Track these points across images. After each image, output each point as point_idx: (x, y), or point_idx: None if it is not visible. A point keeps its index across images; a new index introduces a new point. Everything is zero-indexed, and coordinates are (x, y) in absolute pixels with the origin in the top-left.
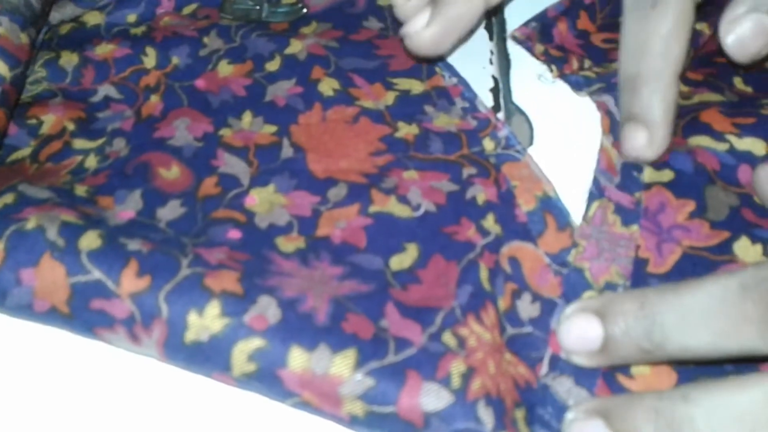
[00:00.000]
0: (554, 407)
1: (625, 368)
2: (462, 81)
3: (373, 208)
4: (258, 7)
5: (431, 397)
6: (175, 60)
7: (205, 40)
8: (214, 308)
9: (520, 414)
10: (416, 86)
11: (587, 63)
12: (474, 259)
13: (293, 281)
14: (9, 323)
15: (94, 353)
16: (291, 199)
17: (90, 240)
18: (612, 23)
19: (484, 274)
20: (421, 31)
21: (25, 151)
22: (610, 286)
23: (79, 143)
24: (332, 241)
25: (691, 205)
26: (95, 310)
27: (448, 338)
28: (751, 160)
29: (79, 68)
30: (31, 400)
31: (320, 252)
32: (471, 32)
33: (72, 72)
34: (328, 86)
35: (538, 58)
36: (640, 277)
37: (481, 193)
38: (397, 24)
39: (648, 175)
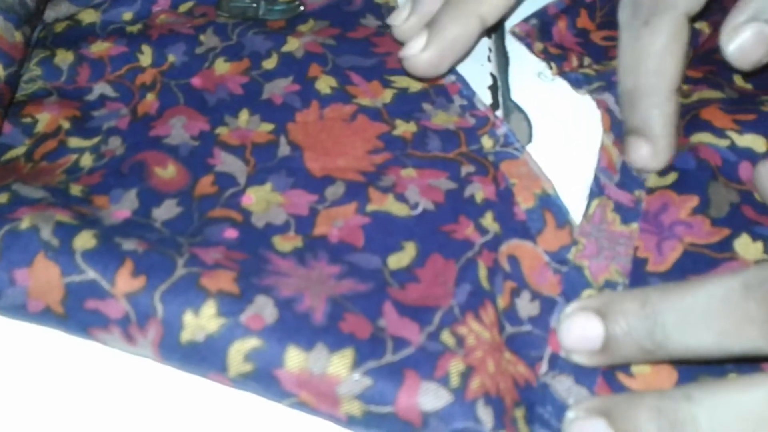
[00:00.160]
0: (554, 406)
1: (625, 367)
2: (460, 78)
3: (370, 207)
4: (255, 5)
5: (430, 397)
6: (171, 58)
7: (202, 37)
8: (210, 308)
9: (519, 413)
10: (414, 84)
11: (587, 60)
12: (473, 258)
13: (290, 281)
14: (3, 324)
15: (89, 354)
16: (288, 198)
17: (84, 240)
18: (612, 21)
19: (482, 272)
20: (419, 54)
21: (20, 150)
22: (609, 285)
23: (74, 142)
24: (329, 240)
25: (694, 200)
26: (90, 311)
27: (446, 337)
28: (752, 156)
29: (75, 66)
30: (26, 402)
31: (317, 251)
32: (469, 53)
33: (67, 70)
34: (325, 84)
35: (537, 56)
36: (639, 275)
37: (479, 191)
38: None
39: (652, 180)
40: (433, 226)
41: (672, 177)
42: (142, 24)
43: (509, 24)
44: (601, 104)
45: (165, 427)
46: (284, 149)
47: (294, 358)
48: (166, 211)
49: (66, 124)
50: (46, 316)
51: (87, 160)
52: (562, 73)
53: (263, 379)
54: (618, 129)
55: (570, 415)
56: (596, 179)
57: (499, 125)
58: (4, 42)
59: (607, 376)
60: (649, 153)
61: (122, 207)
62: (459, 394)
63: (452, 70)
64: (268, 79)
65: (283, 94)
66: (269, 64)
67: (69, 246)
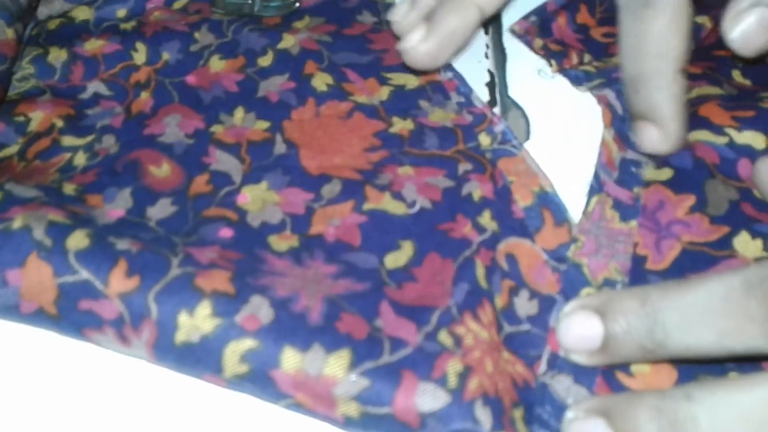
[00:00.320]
0: (553, 406)
1: (624, 366)
2: (457, 75)
3: (367, 206)
4: (250, 2)
5: (427, 398)
6: (165, 56)
7: (197, 35)
8: (205, 308)
9: (518, 413)
10: (411, 81)
11: (587, 57)
12: (470, 257)
13: (286, 280)
14: None
15: (83, 355)
16: (284, 197)
17: (78, 239)
18: (612, 17)
19: (480, 271)
20: (417, 46)
21: (13, 149)
22: (608, 283)
23: (68, 140)
24: (326, 239)
25: (691, 200)
26: (83, 311)
27: (444, 337)
28: (751, 153)
29: (68, 64)
30: (20, 403)
31: (314, 250)
32: (467, 44)
33: (60, 68)
34: (321, 81)
35: (537, 53)
36: (638, 273)
37: (477, 189)
38: None
39: (648, 173)
40: (430, 224)
41: (667, 173)
42: (137, 21)
43: (508, 23)
44: (601, 100)
45: (160, 429)
46: (280, 147)
47: (290, 359)
48: (160, 210)
49: (59, 123)
50: (39, 317)
51: (81, 159)
52: (562, 71)
53: (259, 380)
54: (619, 125)
55: (569, 415)
56: (596, 176)
57: (497, 122)
58: None
59: (607, 375)
60: (659, 137)
61: (116, 206)
62: (457, 394)
63: (449, 67)
64: (263, 77)
65: (279, 92)
66: (265, 61)
67: (62, 246)
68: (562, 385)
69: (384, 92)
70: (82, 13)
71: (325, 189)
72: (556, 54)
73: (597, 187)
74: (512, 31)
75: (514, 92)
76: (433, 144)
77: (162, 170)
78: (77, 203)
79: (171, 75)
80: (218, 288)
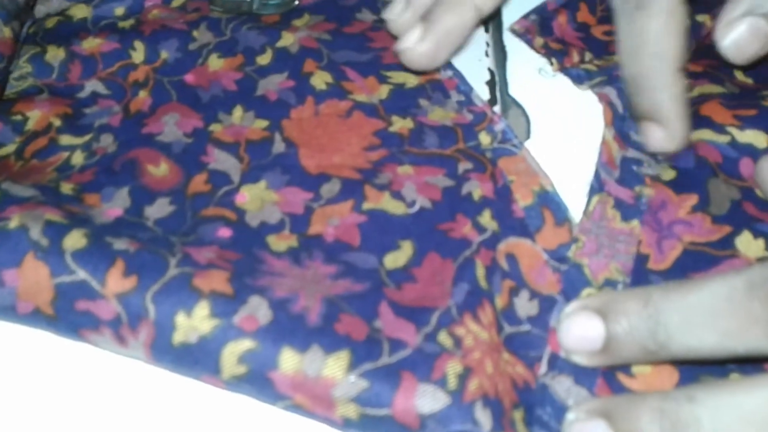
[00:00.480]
0: (553, 407)
1: (625, 367)
2: (457, 74)
3: (366, 205)
4: (249, 0)
5: (427, 399)
6: (164, 54)
7: (195, 33)
8: (203, 309)
9: (518, 415)
10: (410, 79)
11: (588, 56)
12: (470, 257)
13: (285, 281)
14: None
15: (80, 355)
16: (283, 196)
17: (75, 239)
18: (612, 15)
19: (480, 271)
20: (414, 46)
21: (10, 148)
22: (609, 283)
23: (66, 139)
24: (325, 239)
25: (693, 199)
26: (80, 312)
27: (443, 338)
28: (753, 152)
29: (66, 63)
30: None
31: (313, 250)
32: (466, 43)
33: (58, 67)
34: (320, 80)
35: (537, 52)
36: (640, 273)
37: (477, 188)
38: None
39: (650, 173)
40: (430, 224)
41: (670, 174)
42: (135, 19)
43: (508, 21)
44: (602, 98)
45: (158, 430)
46: (279, 146)
47: (288, 360)
48: (158, 209)
49: (57, 122)
50: (35, 317)
51: (78, 158)
52: (563, 69)
53: (257, 381)
54: (620, 123)
55: (570, 416)
56: (597, 175)
57: (497, 121)
58: None
59: (608, 376)
60: (664, 136)
61: (114, 205)
62: (457, 396)
63: (449, 66)
64: (262, 75)
65: (278, 90)
66: (263, 59)
67: (59, 246)
68: (562, 386)
69: (383, 91)
70: (80, 12)
71: (324, 188)
72: (556, 53)
73: (598, 187)
74: (513, 30)
75: (514, 91)
76: (433, 143)
77: (160, 169)
78: (74, 203)
79: (169, 74)
80: (216, 288)
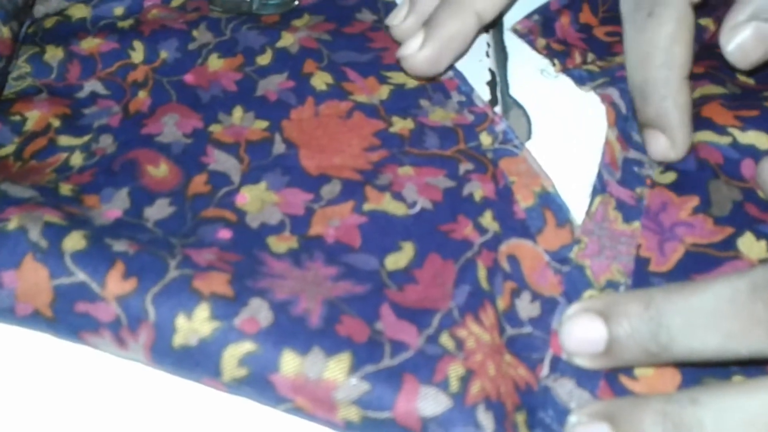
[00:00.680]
0: (555, 410)
1: (628, 369)
2: (458, 74)
3: (367, 206)
4: (249, 0)
5: (429, 402)
6: (163, 54)
7: (195, 33)
8: (203, 311)
9: (520, 417)
10: (411, 80)
11: (590, 57)
12: (472, 258)
13: (285, 283)
14: None
15: (79, 358)
16: (283, 197)
17: (74, 241)
18: (615, 16)
19: (482, 273)
20: (416, 53)
21: (9, 149)
22: (611, 285)
23: (65, 140)
24: (326, 240)
25: (694, 201)
26: (80, 314)
27: (445, 340)
28: (755, 153)
29: (65, 63)
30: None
31: (313, 252)
32: (467, 50)
33: (57, 67)
34: (320, 80)
35: (540, 52)
36: (641, 275)
37: (478, 189)
38: None
39: (653, 176)
40: (431, 225)
41: (671, 176)
42: (134, 19)
43: (510, 22)
44: (605, 98)
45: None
46: (279, 147)
47: (289, 363)
48: (158, 210)
49: (56, 122)
50: (34, 319)
51: (77, 159)
52: (565, 70)
53: (258, 384)
54: (622, 124)
55: (572, 419)
56: (599, 176)
57: (498, 122)
58: None
59: (610, 379)
60: (668, 145)
61: (113, 206)
62: (459, 398)
63: (450, 66)
64: (262, 76)
65: (278, 91)
66: (263, 60)
67: (58, 247)
68: (564, 389)
69: (384, 91)
70: (79, 11)
71: (324, 189)
72: (559, 53)
73: (600, 188)
74: (515, 31)
75: (515, 91)
76: (434, 144)
77: (160, 170)
78: (74, 204)
79: (169, 74)
80: (217, 290)
